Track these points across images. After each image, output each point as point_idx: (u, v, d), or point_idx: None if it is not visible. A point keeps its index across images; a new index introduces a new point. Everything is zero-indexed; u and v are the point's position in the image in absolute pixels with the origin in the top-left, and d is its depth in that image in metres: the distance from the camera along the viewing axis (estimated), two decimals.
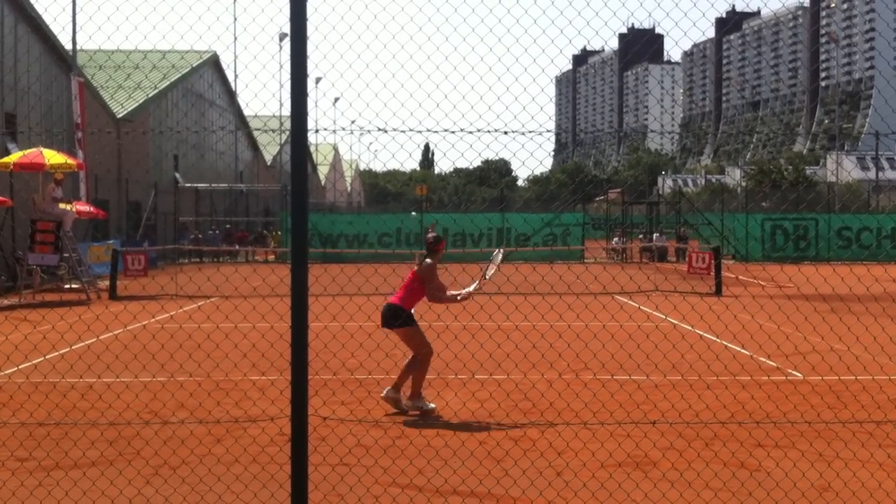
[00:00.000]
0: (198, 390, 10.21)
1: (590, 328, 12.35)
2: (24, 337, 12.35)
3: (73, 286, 23.49)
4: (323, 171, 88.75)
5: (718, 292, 22.51)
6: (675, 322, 15.15)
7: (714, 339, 13.85)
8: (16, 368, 11.73)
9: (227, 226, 45.82)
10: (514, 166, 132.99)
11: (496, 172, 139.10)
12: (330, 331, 10.78)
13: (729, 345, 13.26)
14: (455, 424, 8.81)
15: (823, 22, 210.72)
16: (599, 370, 11.35)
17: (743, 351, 12.86)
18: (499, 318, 13.08)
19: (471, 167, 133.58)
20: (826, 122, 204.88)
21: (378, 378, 11.02)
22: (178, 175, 46.38)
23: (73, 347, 13.00)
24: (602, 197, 63.16)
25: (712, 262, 24.88)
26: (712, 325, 13.51)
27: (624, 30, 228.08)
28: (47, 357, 12.54)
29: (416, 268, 9.52)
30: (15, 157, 23.15)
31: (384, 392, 9.40)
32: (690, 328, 14.47)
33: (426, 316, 11.96)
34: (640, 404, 9.53)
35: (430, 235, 9.82)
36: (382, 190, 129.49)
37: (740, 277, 27.46)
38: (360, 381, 10.97)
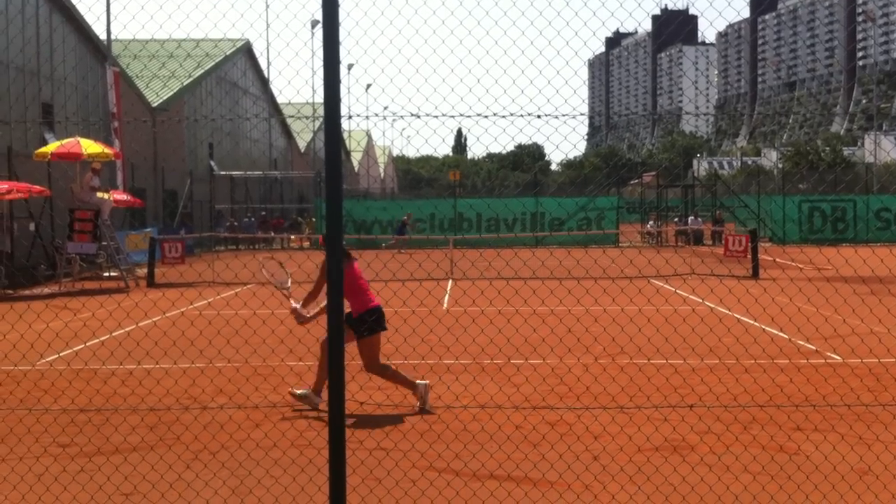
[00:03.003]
0: (236, 376, 10.31)
1: (626, 312, 12.31)
2: (65, 324, 12.53)
3: (112, 274, 23.76)
4: (356, 157, 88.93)
5: (755, 275, 22.33)
6: (712, 305, 15.04)
7: (752, 322, 13.75)
8: (57, 355, 11.90)
9: (263, 213, 46.08)
10: (547, 150, 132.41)
11: (529, 157, 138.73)
12: None
13: (767, 328, 13.15)
14: (491, 408, 8.82)
15: (860, 0, 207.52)
16: (636, 354, 11.30)
17: (781, 334, 12.75)
18: (534, 302, 13.09)
19: (504, 152, 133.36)
20: (864, 102, 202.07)
21: (414, 363, 11.05)
22: (213, 163, 46.69)
23: (113, 334, 13.17)
24: (636, 180, 62.76)
25: (749, 244, 24.67)
26: (750, 308, 13.40)
27: (657, 11, 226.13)
28: (88, 344, 12.70)
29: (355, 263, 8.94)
30: (53, 146, 23.40)
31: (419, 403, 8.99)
32: (728, 311, 14.36)
33: (461, 301, 11.93)
34: (678, 388, 9.48)
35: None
36: (415, 175, 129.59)
37: (778, 260, 27.22)
38: (395, 365, 10.98)
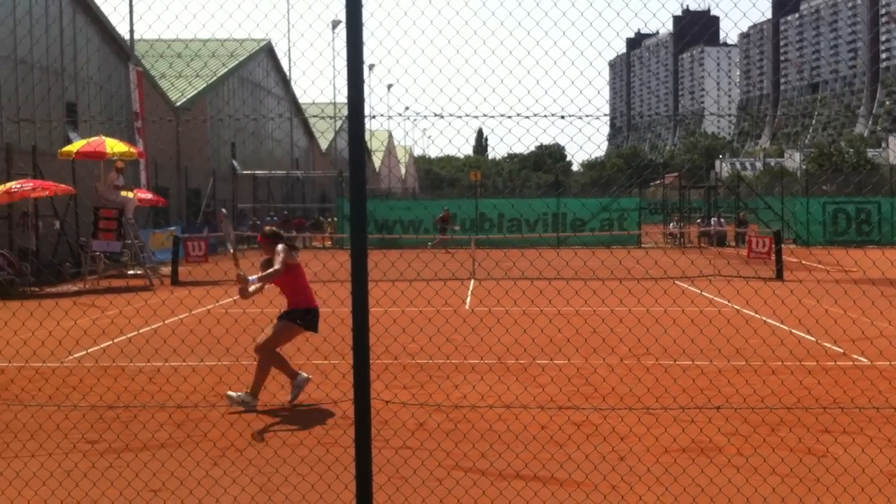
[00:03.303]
0: None
1: (651, 313, 12.27)
2: (93, 322, 12.62)
3: (136, 272, 23.90)
4: (378, 157, 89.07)
5: (779, 277, 22.20)
6: (738, 307, 14.97)
7: (778, 324, 13.66)
8: (85, 352, 11.98)
9: (285, 212, 46.23)
10: (568, 151, 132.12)
11: (551, 157, 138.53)
12: (390, 315, 10.86)
13: (794, 330, 13.07)
14: (517, 408, 8.81)
15: (883, 1, 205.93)
16: (661, 355, 11.26)
17: (808, 336, 12.67)
18: (559, 302, 13.06)
19: (525, 152, 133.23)
20: (888, 103, 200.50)
21: (439, 362, 11.06)
22: (235, 162, 46.88)
23: (140, 331, 13.25)
24: (658, 181, 62.51)
25: (773, 246, 24.53)
26: (776, 309, 13.33)
27: (679, 12, 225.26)
28: (115, 341, 12.78)
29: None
30: (77, 145, 23.57)
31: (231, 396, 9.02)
32: (754, 313, 14.28)
33: (485, 301, 11.91)
34: (704, 389, 9.44)
35: (268, 228, 9.45)
36: (436, 176, 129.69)
37: (804, 262, 27.06)
38: (420, 365, 11.02)
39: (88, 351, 12.05)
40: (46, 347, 11.25)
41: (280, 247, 9.03)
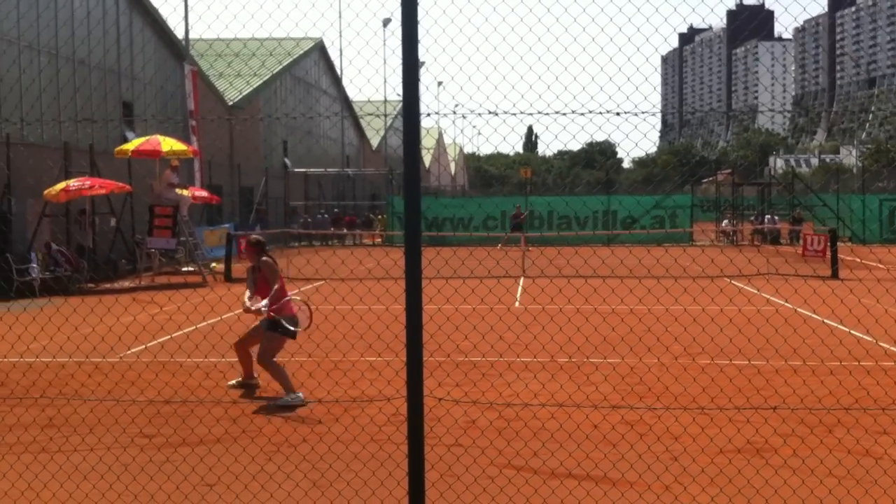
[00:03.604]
0: (317, 370, 10.43)
1: (706, 312, 12.14)
2: (152, 318, 12.82)
3: (189, 269, 24.21)
4: (428, 155, 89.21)
5: (835, 276, 21.84)
6: (795, 307, 14.76)
7: (837, 324, 13.44)
8: (143, 348, 12.18)
9: (336, 210, 46.50)
10: (621, 148, 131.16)
11: (601, 154, 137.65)
12: (444, 313, 10.86)
13: (853, 330, 12.86)
14: (570, 407, 8.78)
15: None
16: (717, 354, 11.14)
17: (867, 337, 12.44)
18: (613, 301, 12.99)
19: (574, 150, 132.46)
20: None
21: (492, 360, 11.06)
22: (287, 160, 47.26)
23: (198, 327, 13.42)
24: (711, 178, 61.81)
25: (828, 244, 24.13)
26: (835, 309, 13.12)
27: (734, 6, 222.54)
28: (173, 336, 12.96)
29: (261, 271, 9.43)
30: (133, 144, 23.93)
31: (236, 382, 9.66)
32: (812, 313, 14.07)
33: (539, 298, 11.83)
34: (760, 389, 9.32)
35: (253, 237, 9.69)
36: (486, 173, 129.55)
37: (863, 261, 26.58)
38: (473, 362, 11.02)
39: (147, 346, 12.25)
40: (106, 343, 11.45)
41: (269, 261, 9.42)
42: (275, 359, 9.32)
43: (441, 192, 62.58)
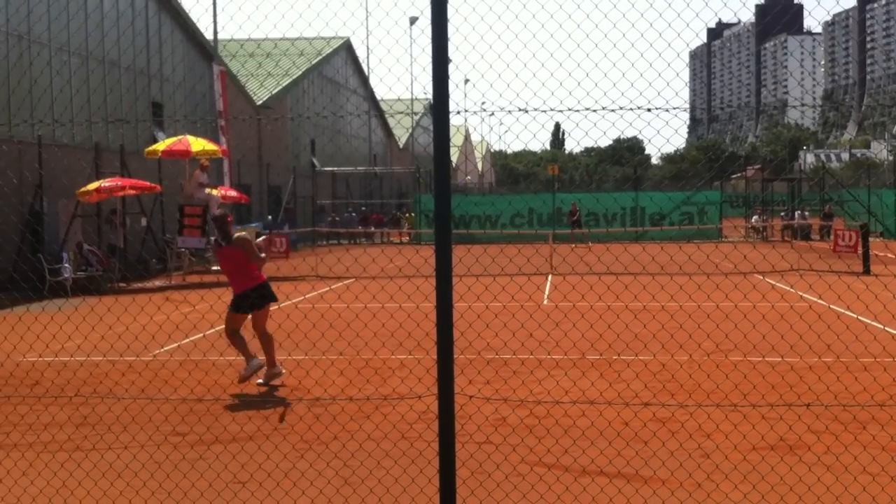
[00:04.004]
0: (348, 368, 10.47)
1: (739, 308, 12.06)
2: (185, 316, 12.92)
3: (218, 268, 24.31)
4: (456, 152, 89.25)
5: (867, 271, 21.62)
6: (828, 303, 14.63)
7: (871, 321, 13.31)
8: (177, 346, 12.27)
9: (363, 208, 46.63)
10: (649, 144, 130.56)
11: (629, 151, 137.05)
12: (474, 311, 10.87)
13: (887, 327, 12.73)
14: (600, 405, 8.75)
15: None
16: (750, 351, 11.06)
17: None
18: (643, 297, 12.93)
19: (602, 146, 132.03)
20: None
21: (522, 357, 11.05)
22: (314, 159, 47.44)
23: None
24: (740, 174, 61.37)
25: (859, 240, 23.89)
26: (869, 305, 12.98)
27: (762, 0, 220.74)
28: (206, 335, 13.05)
29: (231, 248, 9.89)
30: (163, 144, 24.10)
31: (264, 379, 9.74)
32: (845, 309, 13.94)
33: (569, 296, 11.81)
34: (793, 386, 9.25)
35: (217, 213, 9.97)
36: (513, 170, 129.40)
37: None
38: (504, 360, 11.02)
39: (180, 345, 12.34)
40: (140, 342, 11.55)
41: (245, 236, 10.17)
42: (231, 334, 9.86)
43: (468, 189, 62.55)
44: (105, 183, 22.04)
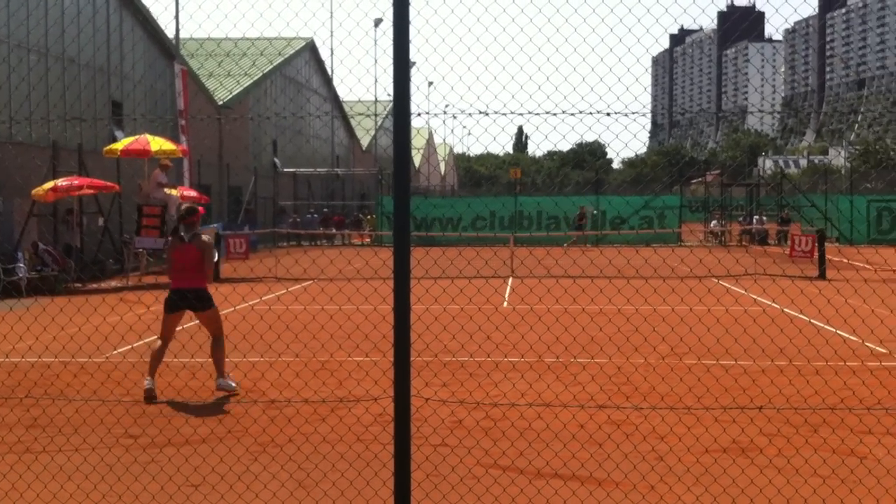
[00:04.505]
0: (304, 370, 10.42)
1: (694, 312, 12.16)
2: (138, 318, 12.78)
3: None
4: (418, 155, 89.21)
5: (822, 276, 21.92)
6: (782, 307, 14.81)
7: (823, 325, 13.49)
8: (130, 347, 12.13)
9: (325, 210, 46.47)
10: (610, 148, 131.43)
11: (591, 155, 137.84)
12: (431, 313, 10.87)
13: (839, 330, 12.91)
14: (556, 407, 8.78)
15: None
16: (704, 354, 11.16)
17: (853, 337, 12.50)
18: (601, 301, 13.00)
19: (565, 150, 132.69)
20: None
21: (479, 360, 11.06)
22: (276, 160, 47.20)
23: (184, 327, 13.34)
24: (700, 179, 61.97)
25: (815, 245, 24.20)
26: (821, 309, 13.17)
27: (724, 7, 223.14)
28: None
29: (191, 246, 9.51)
30: (122, 143, 23.85)
31: (222, 384, 9.46)
32: (798, 313, 14.11)
33: (527, 298, 11.83)
34: (746, 389, 9.35)
35: (184, 207, 9.78)
36: (476, 173, 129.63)
37: (850, 261, 26.67)
38: (461, 362, 11.03)
39: (133, 346, 12.20)
40: (92, 343, 11.42)
41: (208, 238, 9.75)
42: (160, 338, 9.58)
43: (430, 192, 62.55)
44: (61, 182, 21.77)
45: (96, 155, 25.16)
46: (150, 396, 9.16)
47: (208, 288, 9.69)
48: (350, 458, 7.08)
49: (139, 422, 8.33)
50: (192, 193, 28.84)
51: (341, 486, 6.41)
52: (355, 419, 8.33)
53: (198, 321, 9.81)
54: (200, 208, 9.83)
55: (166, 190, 23.25)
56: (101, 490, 6.40)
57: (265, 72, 45.75)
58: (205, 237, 9.66)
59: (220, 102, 40.12)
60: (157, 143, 23.24)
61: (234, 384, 9.55)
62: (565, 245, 32.68)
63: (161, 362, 9.61)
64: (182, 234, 9.59)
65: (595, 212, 39.43)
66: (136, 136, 23.88)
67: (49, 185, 21.59)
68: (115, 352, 11.86)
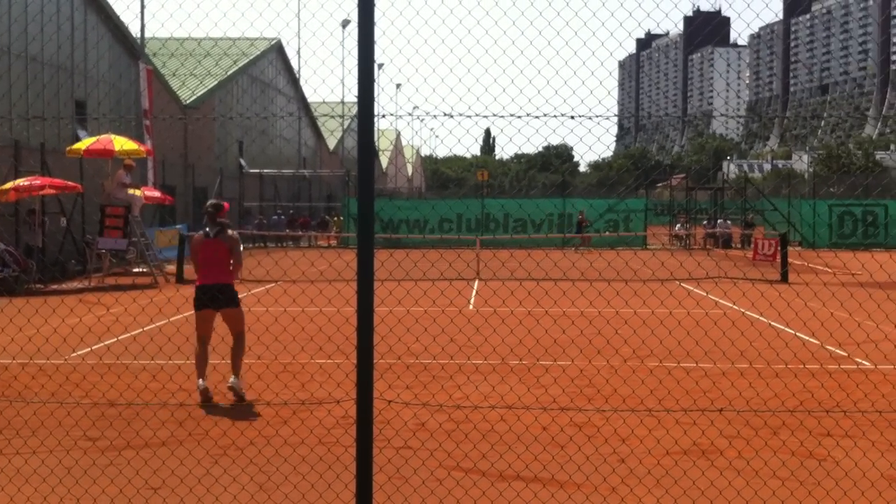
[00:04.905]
0: (266, 373, 10.37)
1: (656, 315, 12.25)
2: (97, 319, 12.65)
3: (141, 270, 23.94)
4: (385, 156, 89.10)
5: (785, 279, 22.15)
6: (743, 310, 14.95)
7: (783, 327, 13.63)
8: (89, 350, 12.01)
9: (291, 211, 46.27)
10: (576, 152, 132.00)
11: (557, 158, 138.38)
12: (395, 315, 10.87)
13: (798, 333, 13.04)
14: (519, 409, 8.81)
15: (895, 3, 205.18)
16: (666, 357, 11.24)
17: (812, 339, 12.64)
18: (564, 303, 13.05)
19: (532, 153, 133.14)
20: None
21: (442, 362, 11.06)
22: (242, 161, 46.93)
23: (145, 329, 13.26)
24: (666, 182, 62.45)
25: (778, 248, 24.46)
26: (781, 312, 13.31)
27: (690, 12, 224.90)
28: (119, 338, 12.80)
29: (218, 241, 9.40)
30: (85, 143, 23.61)
31: (235, 384, 9.24)
32: (759, 316, 14.25)
33: (490, 301, 11.86)
34: (707, 392, 9.42)
35: (210, 202, 9.64)
36: (443, 175, 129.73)
37: (811, 265, 26.98)
38: (424, 365, 11.02)
39: (92, 348, 12.08)
40: (51, 344, 11.26)
41: (236, 234, 9.57)
42: (197, 340, 9.47)
43: (397, 194, 62.50)
44: (23, 182, 21.50)
45: (59, 154, 24.87)
46: (205, 398, 9.07)
47: (235, 285, 9.54)
48: (312, 461, 7.05)
49: (98, 424, 8.24)
50: (156, 194, 28.65)
51: (303, 489, 6.38)
52: (317, 422, 8.30)
53: (221, 318, 9.57)
54: (226, 203, 9.66)
55: (129, 190, 23.06)
56: (58, 493, 6.32)
57: (232, 72, 45.49)
58: (231, 232, 9.49)
59: (185, 103, 39.83)
60: (121, 143, 23.05)
61: (239, 385, 9.35)
62: (574, 248, 33.16)
63: (207, 362, 9.44)
64: (207, 229, 9.45)
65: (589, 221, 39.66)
66: (100, 136, 23.66)
67: (10, 184, 21.32)
68: (74, 354, 11.72)
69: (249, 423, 8.22)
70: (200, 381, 9.21)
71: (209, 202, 9.59)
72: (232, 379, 9.28)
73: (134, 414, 8.65)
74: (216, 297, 9.29)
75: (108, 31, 31.98)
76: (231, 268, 9.45)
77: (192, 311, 9.49)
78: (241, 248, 9.50)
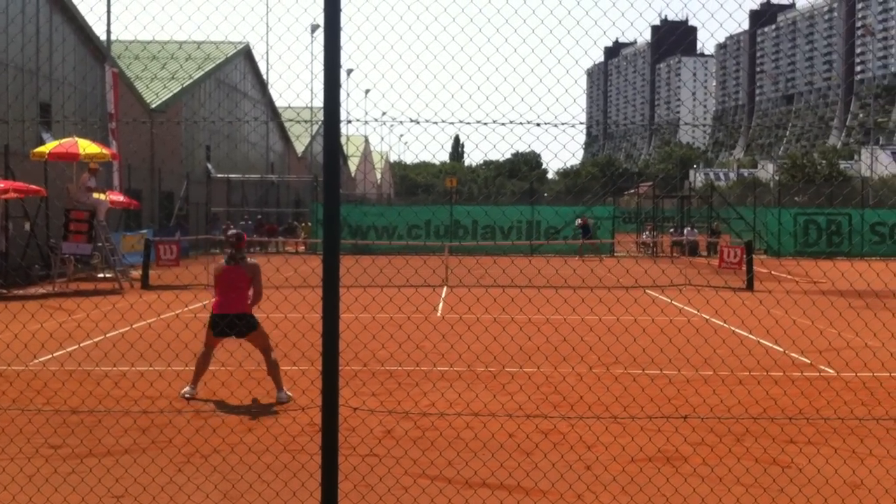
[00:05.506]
0: (230, 380, 10.29)
1: (621, 322, 12.30)
2: (59, 325, 12.49)
3: (106, 275, 23.70)
4: (353, 162, 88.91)
5: (750, 287, 22.35)
6: (707, 317, 15.07)
7: (747, 334, 13.75)
8: (50, 356, 11.86)
9: (259, 216, 46.03)
10: (544, 159, 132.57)
11: (526, 165, 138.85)
12: (361, 322, 10.84)
13: (762, 340, 13.16)
14: (485, 416, 8.81)
15: (859, 14, 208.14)
16: (630, 364, 11.30)
17: (776, 346, 12.75)
18: (530, 310, 13.08)
19: (501, 160, 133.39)
20: (861, 115, 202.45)
21: (408, 369, 11.04)
22: (210, 165, 46.64)
23: (107, 336, 13.12)
24: (633, 190, 62.87)
25: (744, 256, 24.69)
26: (745, 319, 13.42)
27: (657, 22, 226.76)
28: (81, 345, 12.66)
29: (239, 268, 9.56)
30: (50, 146, 23.36)
31: (281, 397, 9.39)
32: (723, 323, 14.37)
33: (456, 308, 11.84)
34: (672, 399, 9.48)
35: (231, 232, 9.81)
36: (412, 181, 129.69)
37: (774, 272, 27.25)
38: (390, 372, 10.99)
39: (54, 355, 11.93)
40: (11, 350, 11.14)
41: (256, 263, 9.72)
42: (202, 351, 9.67)
43: (366, 200, 62.39)
44: None
45: (23, 158, 24.57)
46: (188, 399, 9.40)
47: (253, 311, 9.63)
48: (277, 469, 7.01)
49: (60, 431, 8.14)
50: (122, 198, 28.40)
51: (268, 497, 6.34)
52: (282, 429, 8.25)
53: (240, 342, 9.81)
54: (245, 234, 9.78)
55: (95, 194, 22.83)
56: (19, 501, 6.24)
57: (199, 76, 45.20)
58: (251, 260, 9.61)
59: (151, 106, 39.52)
60: (85, 147, 22.82)
61: (286, 396, 9.47)
62: (577, 255, 33.45)
63: (207, 368, 9.67)
64: (230, 259, 9.59)
65: (594, 221, 39.77)
66: (65, 139, 23.41)
67: None
68: (36, 360, 11.57)
69: (213, 431, 8.16)
70: (188, 388, 9.34)
71: (230, 232, 9.87)
72: (277, 394, 9.40)
73: (96, 421, 8.55)
74: (235, 325, 9.44)
75: (73, 32, 31.65)
76: (250, 295, 9.58)
77: (204, 328, 9.75)
78: (261, 277, 9.60)
